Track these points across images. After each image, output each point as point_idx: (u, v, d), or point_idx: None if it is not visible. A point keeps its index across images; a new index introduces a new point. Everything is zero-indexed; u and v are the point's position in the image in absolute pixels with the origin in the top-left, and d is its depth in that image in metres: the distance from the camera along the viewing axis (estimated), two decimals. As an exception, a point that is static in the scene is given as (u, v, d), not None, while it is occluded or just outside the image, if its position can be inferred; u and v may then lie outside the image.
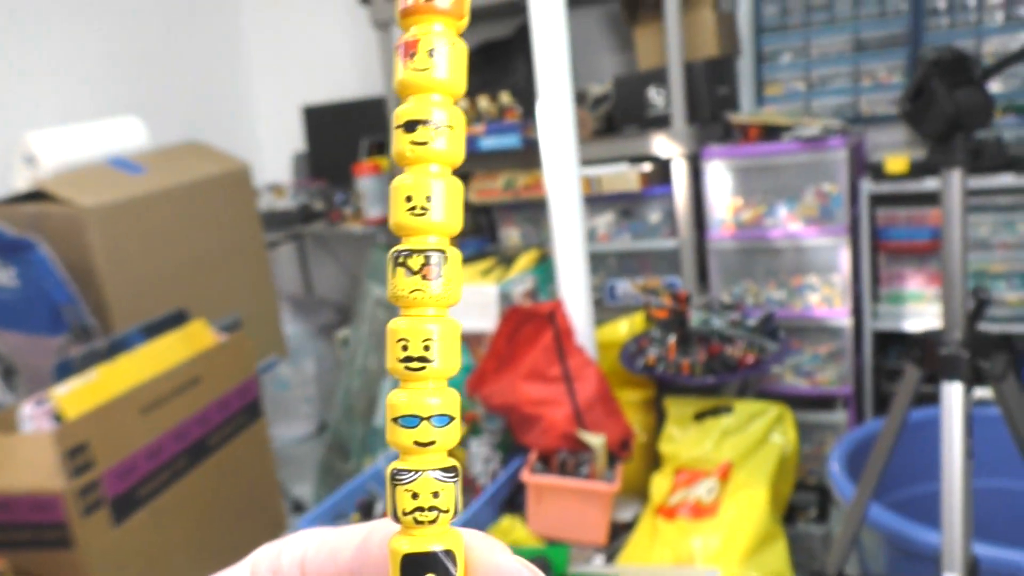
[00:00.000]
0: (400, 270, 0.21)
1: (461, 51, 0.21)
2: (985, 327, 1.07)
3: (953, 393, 1.01)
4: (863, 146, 2.34)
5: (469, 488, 1.91)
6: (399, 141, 0.21)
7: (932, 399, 1.11)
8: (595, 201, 2.29)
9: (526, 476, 1.83)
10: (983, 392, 1.10)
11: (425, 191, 0.21)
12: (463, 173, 2.49)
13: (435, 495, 0.21)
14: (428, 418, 0.21)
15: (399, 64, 0.21)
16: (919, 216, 2.14)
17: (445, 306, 0.22)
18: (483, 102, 2.27)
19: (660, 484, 1.81)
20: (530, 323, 1.94)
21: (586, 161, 2.19)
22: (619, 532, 1.87)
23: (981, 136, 1.00)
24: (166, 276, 2.06)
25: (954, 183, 1.00)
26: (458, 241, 2.69)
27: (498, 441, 1.96)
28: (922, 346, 1.06)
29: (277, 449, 2.93)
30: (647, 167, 2.19)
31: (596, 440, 1.79)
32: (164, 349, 1.79)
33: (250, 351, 2.01)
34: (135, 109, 2.67)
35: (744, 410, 1.84)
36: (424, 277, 0.21)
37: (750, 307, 2.19)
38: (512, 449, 1.99)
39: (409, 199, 0.21)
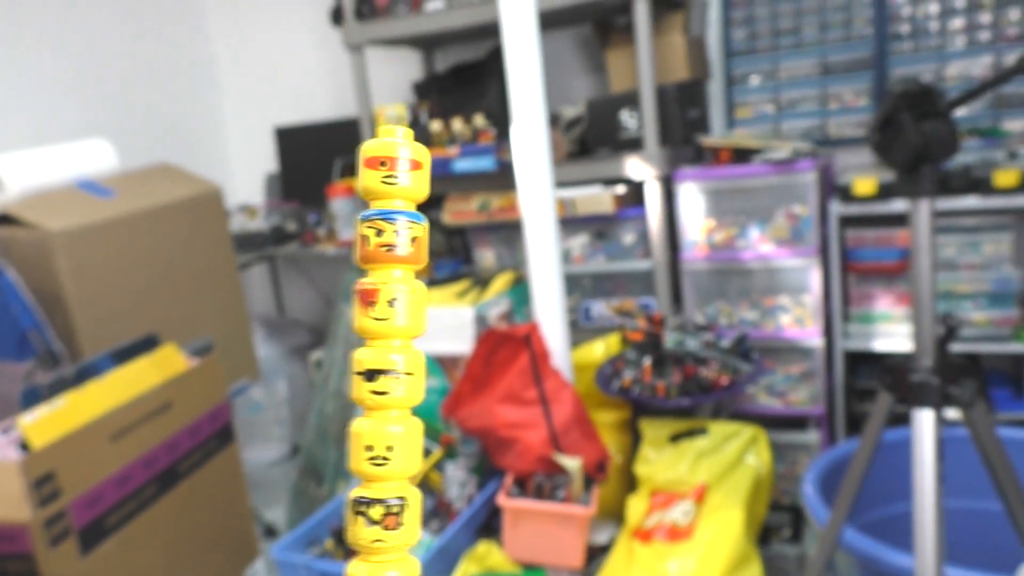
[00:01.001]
0: (360, 519, 0.21)
1: (421, 294, 0.22)
2: (953, 347, 1.09)
3: (924, 419, 1.03)
4: (831, 168, 2.38)
5: (445, 513, 1.89)
6: (359, 388, 0.21)
7: (904, 419, 1.12)
8: (569, 223, 2.30)
9: (502, 500, 1.83)
10: (953, 413, 1.12)
11: (386, 441, 0.21)
12: (437, 195, 2.49)
13: None
14: None
15: (358, 309, 0.22)
16: (887, 237, 2.18)
17: (405, 549, 0.22)
18: (457, 124, 2.27)
19: (636, 507, 1.81)
20: (506, 346, 1.94)
21: (560, 183, 2.21)
22: (595, 555, 1.87)
23: (948, 164, 1.03)
24: (136, 300, 2.03)
25: (922, 212, 1.02)
26: (433, 262, 2.69)
27: (474, 465, 1.96)
28: (893, 372, 1.08)
29: (249, 473, 2.88)
30: (621, 189, 2.21)
31: (572, 463, 1.79)
32: (134, 375, 1.76)
33: (221, 375, 1.98)
34: (104, 132, 2.64)
35: (719, 432, 1.85)
36: (386, 527, 0.21)
37: (723, 328, 2.21)
38: (488, 473, 1.98)
39: (370, 448, 0.21)
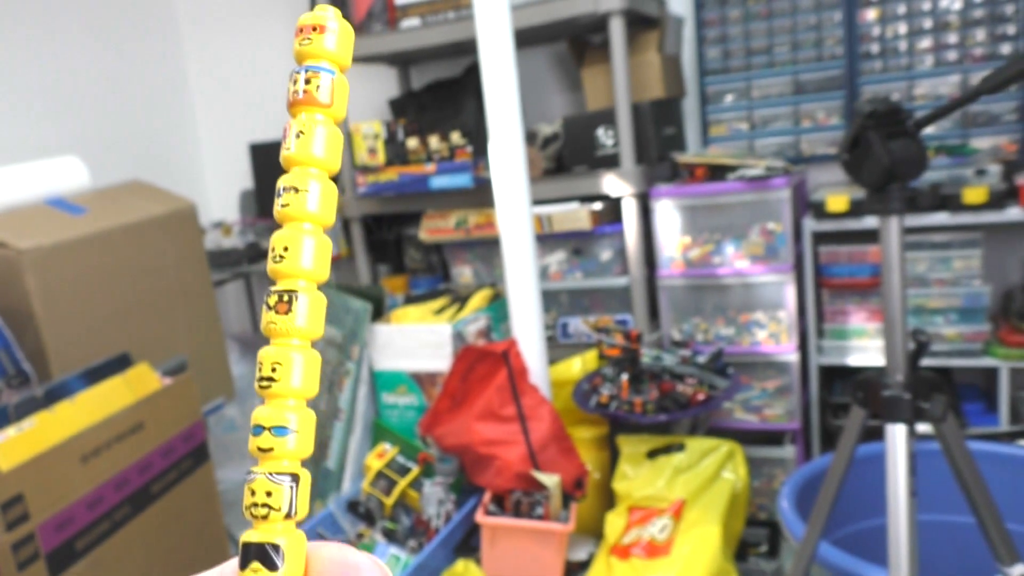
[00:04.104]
0: (263, 307, 0.25)
1: (338, 137, 0.27)
2: (924, 361, 1.10)
3: (896, 434, 1.04)
4: (805, 185, 2.41)
5: (423, 531, 1.88)
6: (276, 203, 0.26)
7: (878, 433, 1.13)
8: (547, 239, 2.31)
9: (480, 517, 1.82)
10: (925, 427, 1.13)
11: (283, 243, 0.25)
12: (415, 212, 2.49)
13: (268, 494, 0.24)
14: (269, 428, 0.24)
15: (287, 142, 0.26)
16: (860, 253, 2.21)
17: (301, 337, 0.25)
18: (434, 141, 2.28)
19: (614, 523, 1.81)
20: (484, 362, 1.93)
21: (537, 200, 2.21)
22: (574, 572, 1.86)
23: (917, 182, 1.04)
24: (108, 319, 2.01)
25: (892, 230, 1.04)
26: (410, 279, 2.68)
27: (452, 482, 1.94)
28: (865, 388, 1.09)
29: (224, 492, 2.84)
30: (597, 206, 2.22)
31: (550, 480, 1.79)
32: (105, 395, 1.74)
33: (196, 394, 1.96)
34: (77, 149, 2.62)
35: (696, 447, 1.86)
36: (277, 312, 0.25)
37: (700, 344, 2.22)
38: (467, 490, 1.97)
39: (272, 249, 0.26)
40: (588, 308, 2.36)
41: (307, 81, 0.26)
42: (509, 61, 1.88)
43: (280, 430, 0.24)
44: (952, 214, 2.05)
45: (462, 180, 2.24)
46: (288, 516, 0.24)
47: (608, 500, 1.96)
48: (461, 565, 1.78)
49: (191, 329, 2.28)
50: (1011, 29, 2.24)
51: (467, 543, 1.90)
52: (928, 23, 2.31)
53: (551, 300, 2.37)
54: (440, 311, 2.22)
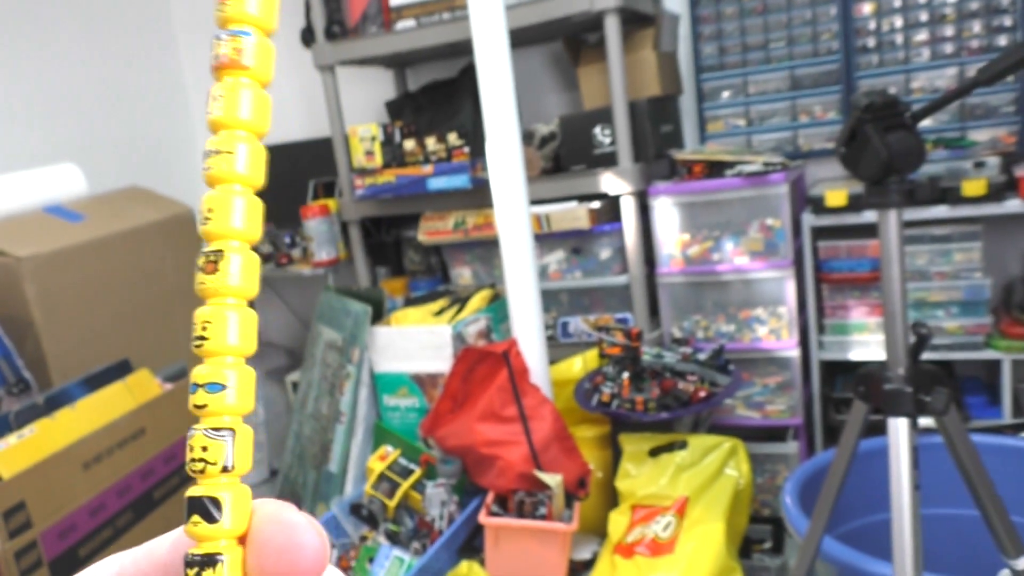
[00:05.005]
0: (196, 268, 0.26)
1: (265, 99, 0.27)
2: (925, 355, 1.10)
3: (899, 428, 1.03)
4: (803, 180, 2.41)
5: (426, 532, 1.88)
6: (203, 166, 0.26)
7: (880, 428, 1.13)
8: (545, 239, 2.31)
9: (483, 518, 1.82)
10: (928, 421, 1.13)
11: (209, 204, 0.25)
12: (413, 214, 2.49)
13: (204, 449, 0.24)
14: (203, 385, 0.25)
15: (209, 106, 0.26)
16: (859, 248, 2.20)
17: (235, 295, 0.26)
18: (431, 143, 2.27)
19: (618, 521, 1.81)
20: (485, 363, 1.93)
21: (535, 200, 2.21)
22: (578, 571, 1.86)
23: (916, 175, 1.04)
24: (108, 325, 2.01)
25: (891, 223, 1.03)
26: (410, 281, 2.68)
27: (455, 483, 1.94)
28: (867, 382, 1.08)
29: (226, 498, 2.84)
30: (596, 204, 2.21)
31: (553, 480, 1.79)
32: (106, 401, 1.74)
33: (197, 400, 1.96)
34: (74, 156, 2.61)
35: (698, 444, 1.85)
36: (205, 272, 0.25)
37: (700, 341, 2.22)
38: (469, 491, 1.97)
39: (201, 211, 0.26)
40: (588, 307, 2.36)
41: (228, 45, 0.26)
42: (505, 61, 1.87)
43: (214, 387, 0.25)
44: (951, 207, 2.05)
45: (460, 181, 2.24)
46: (226, 470, 0.24)
47: (611, 499, 1.96)
48: (465, 566, 1.78)
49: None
50: (1007, 21, 2.23)
51: (470, 544, 1.89)
52: (924, 16, 2.30)
53: (551, 300, 2.37)
54: (440, 312, 2.22)
